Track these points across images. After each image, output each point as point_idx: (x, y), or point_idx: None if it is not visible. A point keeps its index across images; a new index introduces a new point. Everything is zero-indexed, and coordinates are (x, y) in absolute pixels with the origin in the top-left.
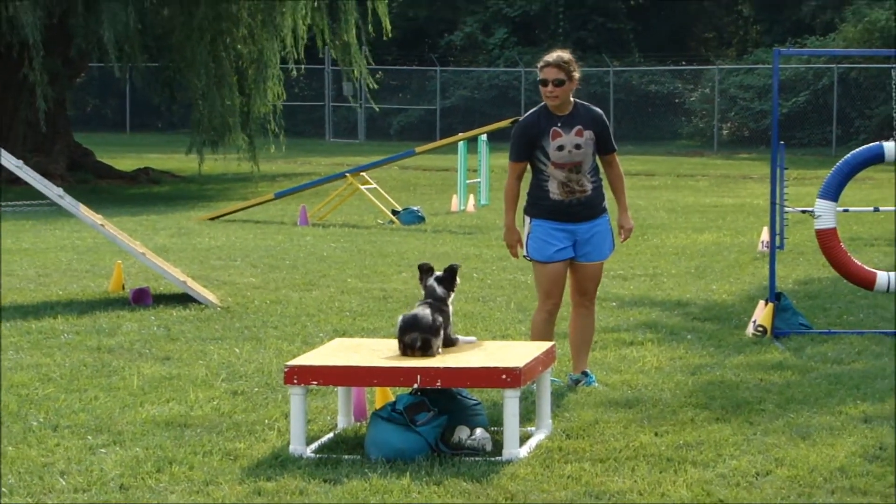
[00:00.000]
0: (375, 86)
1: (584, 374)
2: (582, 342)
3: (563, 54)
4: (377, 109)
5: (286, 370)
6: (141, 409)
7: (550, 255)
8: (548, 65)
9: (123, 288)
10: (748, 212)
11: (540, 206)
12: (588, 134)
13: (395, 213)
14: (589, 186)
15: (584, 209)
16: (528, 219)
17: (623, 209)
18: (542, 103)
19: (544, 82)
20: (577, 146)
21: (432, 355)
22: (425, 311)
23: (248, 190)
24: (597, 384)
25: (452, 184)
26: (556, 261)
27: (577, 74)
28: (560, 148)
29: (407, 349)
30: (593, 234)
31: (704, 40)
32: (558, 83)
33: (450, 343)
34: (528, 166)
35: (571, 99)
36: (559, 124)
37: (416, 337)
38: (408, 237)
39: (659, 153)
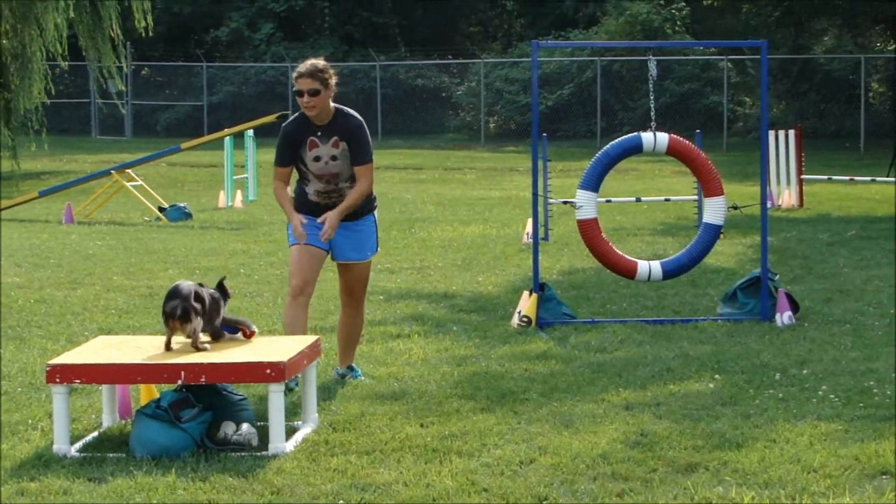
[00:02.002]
0: (122, 87)
1: (350, 368)
2: (349, 339)
3: (317, 62)
4: (122, 110)
5: (48, 369)
6: None
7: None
8: (301, 75)
9: None
10: (514, 204)
11: (300, 202)
12: (343, 145)
13: (161, 209)
14: (347, 193)
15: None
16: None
17: (337, 210)
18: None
19: (300, 93)
20: (334, 157)
21: (192, 326)
22: (189, 283)
23: (11, 188)
24: (363, 378)
25: (220, 180)
26: (304, 243)
27: (333, 81)
28: (317, 159)
29: (168, 318)
30: (353, 233)
31: (470, 34)
32: (314, 93)
33: (217, 335)
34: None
35: (332, 107)
36: (318, 134)
37: (176, 305)
38: (174, 234)
39: (427, 147)
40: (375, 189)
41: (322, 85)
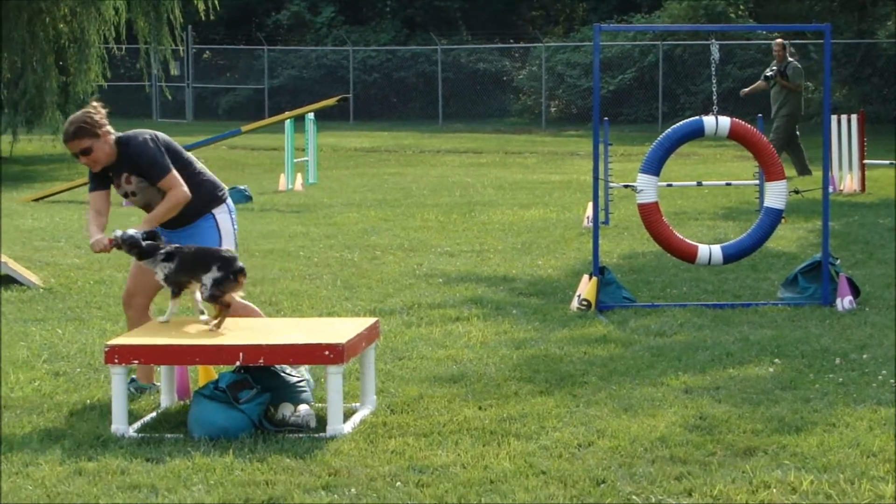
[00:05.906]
0: (176, 72)
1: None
2: None
3: (75, 120)
4: (169, 97)
5: (107, 349)
6: None
7: None
8: (67, 140)
9: None
10: (575, 188)
11: None
12: (135, 178)
13: None
14: None
15: (171, 220)
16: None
17: (144, 221)
18: None
19: (76, 156)
20: (133, 193)
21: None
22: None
23: (72, 171)
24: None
25: (280, 163)
26: None
27: (104, 124)
28: (125, 195)
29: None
30: (191, 237)
31: (532, 18)
32: (87, 152)
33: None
34: None
35: (113, 142)
36: (112, 174)
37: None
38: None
39: (488, 131)
40: (434, 172)
41: (91, 138)
